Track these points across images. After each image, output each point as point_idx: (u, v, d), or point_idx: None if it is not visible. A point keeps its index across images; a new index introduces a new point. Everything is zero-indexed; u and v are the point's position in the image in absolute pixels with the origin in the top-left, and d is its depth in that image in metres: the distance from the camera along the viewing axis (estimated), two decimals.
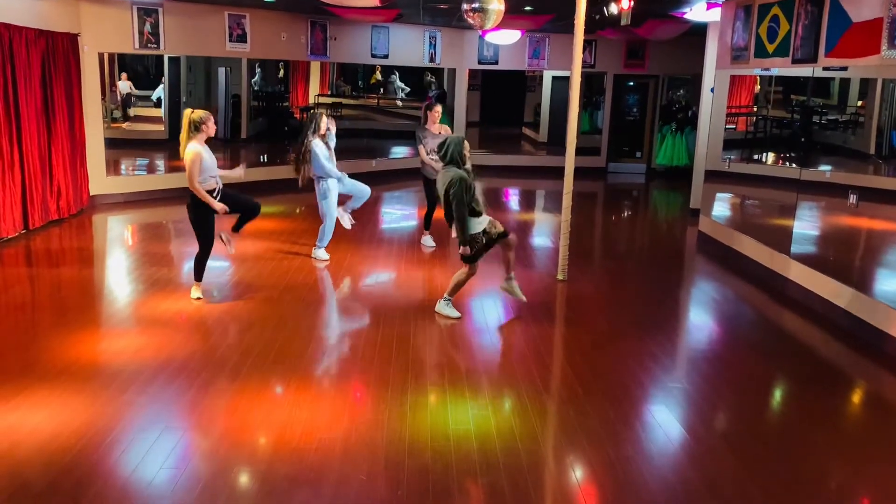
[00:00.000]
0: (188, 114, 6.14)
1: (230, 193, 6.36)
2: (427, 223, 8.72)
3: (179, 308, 6.29)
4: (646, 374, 5.31)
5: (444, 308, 6.26)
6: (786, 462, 4.13)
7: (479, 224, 6.04)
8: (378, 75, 21.50)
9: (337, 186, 7.78)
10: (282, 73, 18.39)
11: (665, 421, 4.58)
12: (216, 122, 6.31)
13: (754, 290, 7.65)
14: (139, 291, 6.84)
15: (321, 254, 7.92)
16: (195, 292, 6.45)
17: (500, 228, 6.17)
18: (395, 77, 20.67)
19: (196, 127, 6.11)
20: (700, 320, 6.99)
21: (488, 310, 6.60)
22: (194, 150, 6.06)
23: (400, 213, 11.13)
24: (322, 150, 7.57)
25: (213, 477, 3.75)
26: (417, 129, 8.45)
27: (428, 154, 8.27)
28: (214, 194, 6.17)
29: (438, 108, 8.49)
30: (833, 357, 6.11)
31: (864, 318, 6.08)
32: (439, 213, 8.69)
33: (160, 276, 7.21)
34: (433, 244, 8.67)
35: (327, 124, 7.73)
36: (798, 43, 7.14)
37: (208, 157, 6.14)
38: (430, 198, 8.57)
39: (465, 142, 6.12)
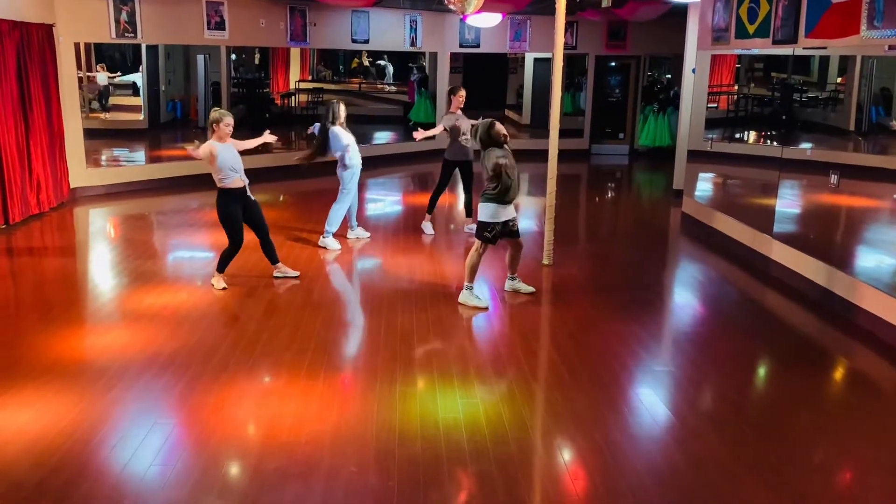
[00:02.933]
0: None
1: (256, 209, 6.59)
2: (430, 207, 8.70)
3: (165, 302, 6.26)
4: (632, 357, 5.36)
5: (469, 298, 6.22)
6: (770, 441, 4.20)
7: (506, 214, 6.11)
8: (366, 60, 21.36)
9: (358, 174, 7.98)
10: (258, 59, 18.20)
11: (651, 403, 4.63)
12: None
13: (738, 270, 7.72)
14: (124, 285, 6.81)
15: (331, 242, 7.93)
16: (219, 283, 6.55)
17: (517, 226, 6.31)
18: (387, 62, 20.58)
19: (210, 126, 6.34)
20: (685, 302, 7.05)
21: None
22: (207, 145, 6.24)
23: (386, 200, 11.10)
24: (348, 136, 7.78)
25: (204, 472, 3.76)
26: (445, 116, 8.40)
27: (463, 134, 8.29)
28: (238, 191, 6.37)
29: (462, 93, 8.46)
30: (815, 336, 6.19)
31: (845, 297, 6.16)
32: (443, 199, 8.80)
33: (144, 269, 7.17)
34: (432, 231, 8.66)
35: (344, 112, 7.92)
36: (778, 24, 7.16)
37: (225, 154, 6.28)
38: (442, 181, 8.60)
39: (496, 123, 6.16)
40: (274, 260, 6.81)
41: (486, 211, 6.11)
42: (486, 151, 6.10)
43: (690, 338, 6.00)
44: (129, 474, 3.73)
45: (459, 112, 8.41)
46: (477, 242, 6.20)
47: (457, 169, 8.56)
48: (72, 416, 4.25)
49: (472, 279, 6.24)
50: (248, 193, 6.51)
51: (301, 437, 4.07)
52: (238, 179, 6.38)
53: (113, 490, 3.61)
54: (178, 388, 4.65)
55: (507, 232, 6.22)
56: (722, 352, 5.61)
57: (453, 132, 8.30)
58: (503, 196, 6.06)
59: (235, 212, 6.41)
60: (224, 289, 6.50)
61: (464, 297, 6.25)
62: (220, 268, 6.58)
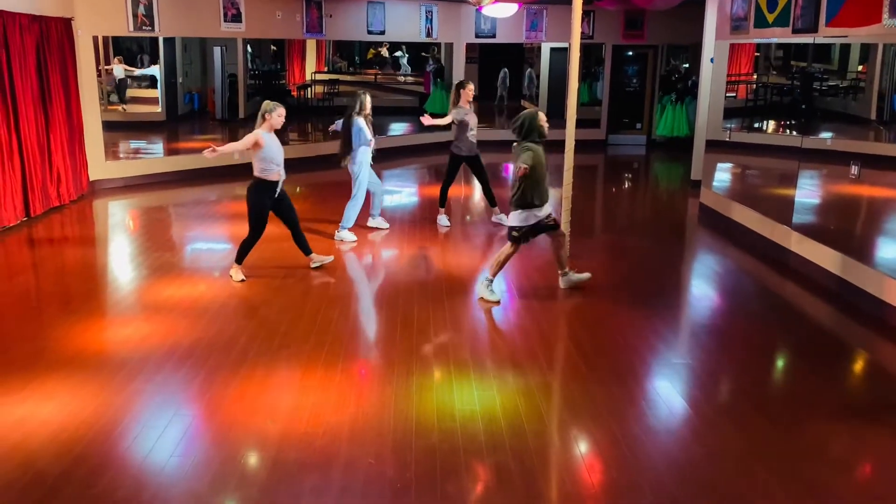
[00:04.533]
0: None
1: (287, 200, 6.70)
2: (442, 200, 8.70)
3: (184, 294, 6.32)
4: (649, 349, 5.35)
5: (483, 291, 6.22)
6: (787, 434, 4.18)
7: (537, 215, 6.03)
8: (385, 51, 21.35)
9: (368, 163, 7.99)
10: (273, 50, 18.21)
11: (668, 396, 4.62)
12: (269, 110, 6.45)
13: (756, 262, 7.67)
14: (143, 277, 6.87)
15: (346, 235, 7.98)
16: (237, 274, 6.60)
17: (551, 219, 6.20)
18: (402, 53, 20.58)
19: (262, 115, 6.41)
20: (702, 294, 7.01)
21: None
22: (255, 132, 6.33)
23: (402, 192, 11.10)
24: (365, 126, 7.86)
25: (224, 463, 3.80)
26: (453, 110, 8.35)
27: (471, 130, 8.31)
28: (277, 186, 6.47)
29: (471, 86, 8.47)
30: (835, 327, 6.14)
31: (865, 289, 6.10)
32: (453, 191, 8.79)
33: (163, 261, 7.23)
34: (448, 223, 8.66)
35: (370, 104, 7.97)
36: (798, 12, 7.07)
37: (272, 145, 6.39)
38: (450, 174, 8.60)
39: (541, 114, 6.09)
40: (307, 251, 6.87)
41: (516, 217, 6.07)
42: (522, 145, 5.98)
43: (708, 330, 5.97)
44: (149, 465, 3.78)
45: (468, 106, 8.39)
46: (508, 242, 6.20)
47: (464, 164, 8.58)
48: (93, 407, 4.31)
49: (494, 274, 6.22)
50: (281, 188, 6.58)
51: (319, 429, 4.11)
52: (277, 173, 6.46)
53: (134, 481, 3.66)
54: (197, 380, 4.70)
55: (543, 227, 6.15)
56: (740, 344, 5.58)
57: (461, 126, 8.30)
58: (531, 201, 5.98)
59: (266, 203, 6.50)
60: (243, 280, 6.54)
61: (480, 288, 6.25)
62: (239, 258, 6.62)
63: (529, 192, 5.96)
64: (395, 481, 3.64)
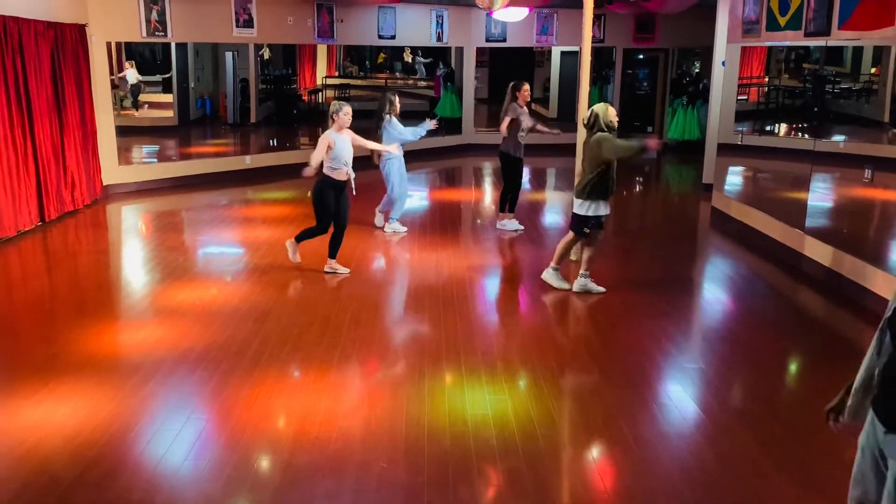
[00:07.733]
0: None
1: (346, 203, 6.83)
2: (510, 205, 8.63)
3: (197, 297, 6.35)
4: (661, 353, 5.33)
5: (551, 278, 6.39)
6: (801, 439, 4.15)
7: (605, 208, 6.20)
8: (408, 56, 21.46)
9: (399, 163, 8.28)
10: (282, 54, 18.28)
11: (680, 400, 4.61)
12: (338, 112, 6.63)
13: (768, 266, 7.63)
14: (156, 281, 6.91)
15: (398, 226, 8.35)
16: (341, 269, 6.87)
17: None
18: (419, 57, 20.67)
19: (330, 116, 6.63)
20: (715, 298, 6.99)
21: (503, 291, 6.61)
22: (325, 136, 6.56)
23: (415, 196, 11.11)
24: (399, 125, 8.15)
25: (237, 467, 3.81)
26: (509, 108, 8.26)
27: (522, 132, 8.31)
28: (339, 183, 6.64)
29: (527, 87, 8.46)
30: (847, 332, 6.10)
31: (879, 293, 6.06)
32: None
33: (176, 265, 7.27)
34: (519, 227, 8.61)
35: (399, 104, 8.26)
36: (811, 15, 7.05)
37: (342, 145, 6.57)
38: (510, 179, 8.56)
39: (611, 108, 6.19)
40: (332, 254, 6.89)
41: (586, 206, 6.17)
42: (598, 136, 6.12)
43: (720, 334, 5.95)
44: (163, 468, 3.80)
45: (524, 107, 8.37)
46: (571, 234, 6.28)
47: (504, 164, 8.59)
48: (108, 410, 4.33)
49: (559, 262, 6.36)
50: (352, 186, 6.76)
51: (332, 433, 4.12)
52: (345, 173, 6.62)
53: (148, 484, 3.68)
54: (210, 384, 4.72)
55: (599, 224, 6.29)
56: (752, 348, 5.55)
57: (514, 125, 8.27)
58: (605, 189, 6.14)
59: (330, 199, 6.67)
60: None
61: (547, 275, 6.39)
62: (331, 254, 6.83)
63: (606, 180, 6.13)
64: (382, 466, 3.65)
